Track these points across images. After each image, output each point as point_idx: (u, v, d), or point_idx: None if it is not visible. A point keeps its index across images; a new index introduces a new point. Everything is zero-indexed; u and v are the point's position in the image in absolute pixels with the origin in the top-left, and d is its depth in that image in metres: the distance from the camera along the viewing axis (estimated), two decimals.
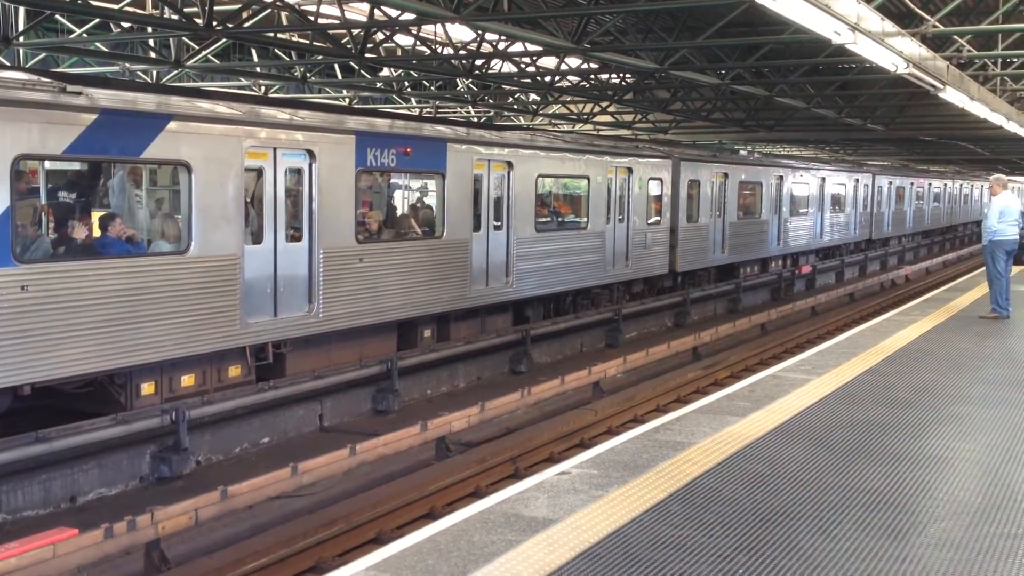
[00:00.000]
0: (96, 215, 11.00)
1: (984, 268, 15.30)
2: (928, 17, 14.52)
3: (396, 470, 11.06)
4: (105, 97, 10.58)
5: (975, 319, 14.43)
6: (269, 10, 15.79)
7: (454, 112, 29.46)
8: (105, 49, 18.63)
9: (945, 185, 51.75)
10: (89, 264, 10.25)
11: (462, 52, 19.08)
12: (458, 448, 11.88)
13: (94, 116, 10.19)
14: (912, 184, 44.43)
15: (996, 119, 21.68)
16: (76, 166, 11.27)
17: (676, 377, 16.07)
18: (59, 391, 10.42)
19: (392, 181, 15.80)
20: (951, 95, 16.64)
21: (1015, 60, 20.68)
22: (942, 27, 15.06)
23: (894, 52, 12.55)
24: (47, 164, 10.61)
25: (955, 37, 17.07)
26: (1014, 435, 7.82)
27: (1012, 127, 23.94)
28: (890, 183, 40.72)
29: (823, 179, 32.66)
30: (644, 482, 6.34)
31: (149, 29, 16.81)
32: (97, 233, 10.76)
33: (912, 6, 14.64)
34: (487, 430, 12.70)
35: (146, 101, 11.15)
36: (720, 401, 8.91)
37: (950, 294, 18.24)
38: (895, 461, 6.96)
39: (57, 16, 16.92)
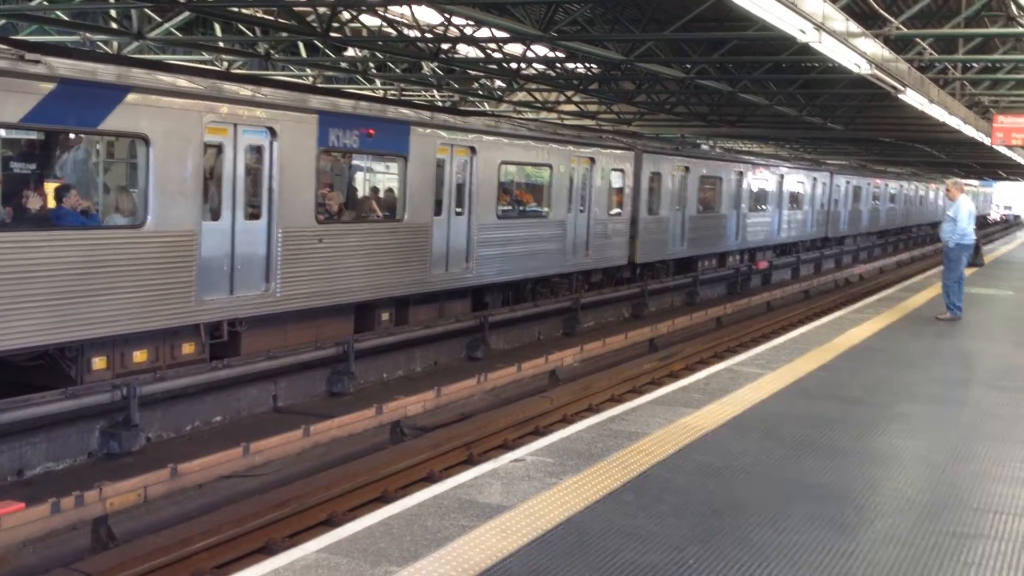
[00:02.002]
0: (51, 186, 10.82)
1: (941, 269, 15.40)
2: (892, 19, 14.66)
3: (350, 453, 11.01)
4: (64, 67, 10.39)
5: (927, 319, 14.65)
6: None
7: (419, 95, 29.31)
8: (65, 18, 18.32)
9: (901, 186, 52.41)
10: (42, 235, 10.08)
11: (428, 35, 18.98)
12: (413, 432, 11.85)
13: (52, 85, 10.02)
14: (869, 184, 44.94)
15: (954, 122, 21.99)
16: (32, 136, 11.06)
17: (632, 368, 16.14)
18: (9, 363, 10.25)
19: (354, 162, 15.69)
20: (911, 97, 16.84)
21: (975, 64, 20.97)
22: (905, 29, 15.21)
23: (857, 52, 12.67)
24: (2, 132, 10.40)
25: (917, 40, 17.27)
26: (961, 434, 7.95)
27: (969, 131, 24.28)
28: (847, 182, 41.16)
29: (782, 176, 32.95)
30: (598, 471, 6.37)
31: None
32: (52, 204, 10.59)
33: (876, 7, 14.77)
34: (442, 415, 12.68)
35: (106, 72, 10.97)
36: (675, 393, 8.97)
37: (903, 293, 18.50)
38: (845, 457, 7.05)
39: None
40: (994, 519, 5.89)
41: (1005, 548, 5.41)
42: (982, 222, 64.84)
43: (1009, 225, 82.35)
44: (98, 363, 10.97)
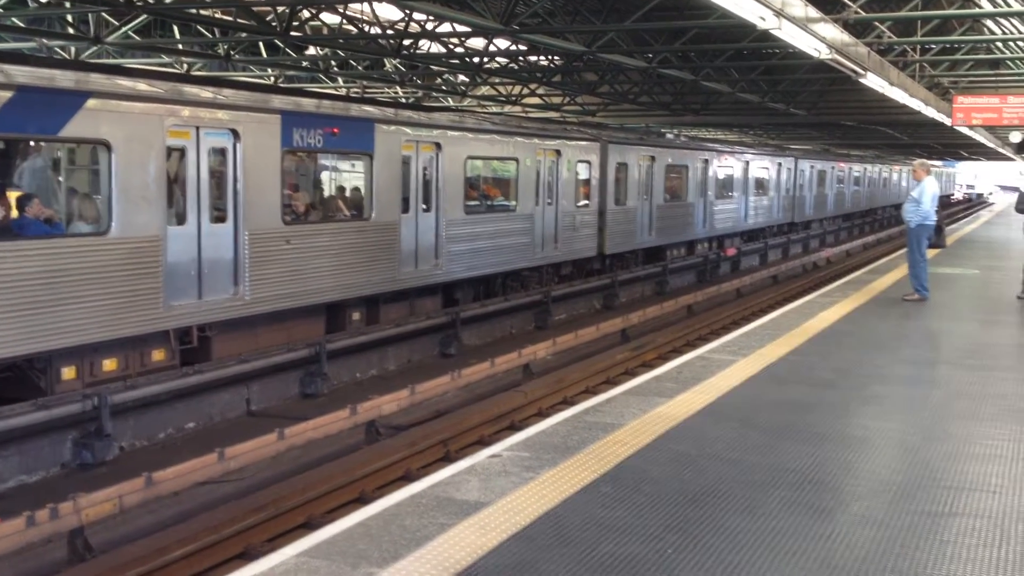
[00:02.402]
0: (13, 195, 10.69)
1: (906, 250, 15.53)
2: (850, 3, 14.78)
3: (325, 454, 10.96)
4: (22, 74, 10.28)
5: (895, 301, 14.78)
6: None
7: (382, 92, 29.20)
8: (22, 24, 18.06)
9: (865, 169, 52.87)
10: (5, 245, 9.96)
11: (390, 32, 18.91)
12: (388, 431, 11.82)
13: (10, 93, 9.90)
14: (833, 168, 45.30)
15: (915, 104, 22.20)
16: None
17: (605, 359, 16.18)
18: None
19: (319, 162, 15.62)
20: (871, 80, 16.99)
21: (933, 46, 21.19)
22: (864, 13, 15.34)
23: (817, 38, 12.76)
24: None
25: (876, 23, 17.42)
26: (933, 414, 8.04)
27: (930, 112, 24.52)
28: (812, 167, 41.47)
29: (747, 163, 33.15)
30: (575, 464, 6.38)
31: (68, 4, 16.36)
32: (14, 214, 10.46)
33: None
34: (417, 413, 12.66)
35: (64, 78, 10.86)
36: (648, 383, 9.00)
37: (870, 276, 18.66)
38: (819, 440, 7.10)
39: None
40: (968, 497, 5.96)
41: (979, 525, 5.47)
42: (945, 202, 65.60)
43: (972, 204, 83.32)
44: (67, 373, 10.87)
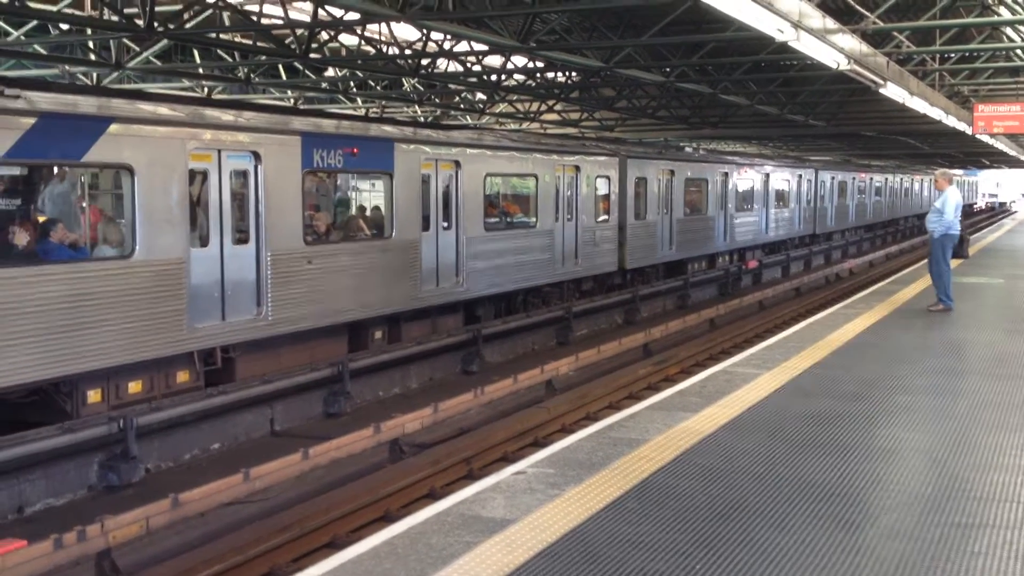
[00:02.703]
0: (37, 221, 10.79)
1: (928, 260, 15.41)
2: (868, 13, 14.73)
3: (349, 473, 10.97)
4: (45, 100, 10.39)
5: (919, 311, 14.68)
6: (211, 11, 15.58)
7: (400, 112, 29.31)
8: (44, 51, 18.25)
9: (886, 179, 52.61)
10: (31, 271, 10.05)
11: (408, 52, 18.99)
12: (412, 450, 11.82)
13: (33, 120, 10.01)
14: (854, 179, 45.11)
15: (935, 114, 22.10)
16: (16, 171, 11.03)
17: (628, 374, 16.14)
18: (4, 401, 10.20)
19: (339, 182, 15.70)
20: (891, 91, 16.92)
21: (953, 55, 21.09)
22: (882, 23, 15.28)
23: (835, 49, 12.73)
24: None
25: (894, 33, 17.35)
26: (960, 425, 7.97)
27: (951, 121, 24.40)
28: (832, 178, 41.30)
29: (767, 175, 33.05)
30: (600, 480, 6.35)
31: (89, 31, 16.53)
32: (39, 239, 10.55)
33: (852, 3, 14.84)
34: (441, 431, 12.65)
35: (87, 104, 10.96)
36: (672, 397, 8.96)
37: (893, 287, 18.54)
38: (846, 453, 7.05)
39: None
40: (998, 508, 5.89)
41: (1011, 536, 5.41)
42: (967, 211, 65.17)
43: (995, 213, 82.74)
44: (93, 396, 10.94)
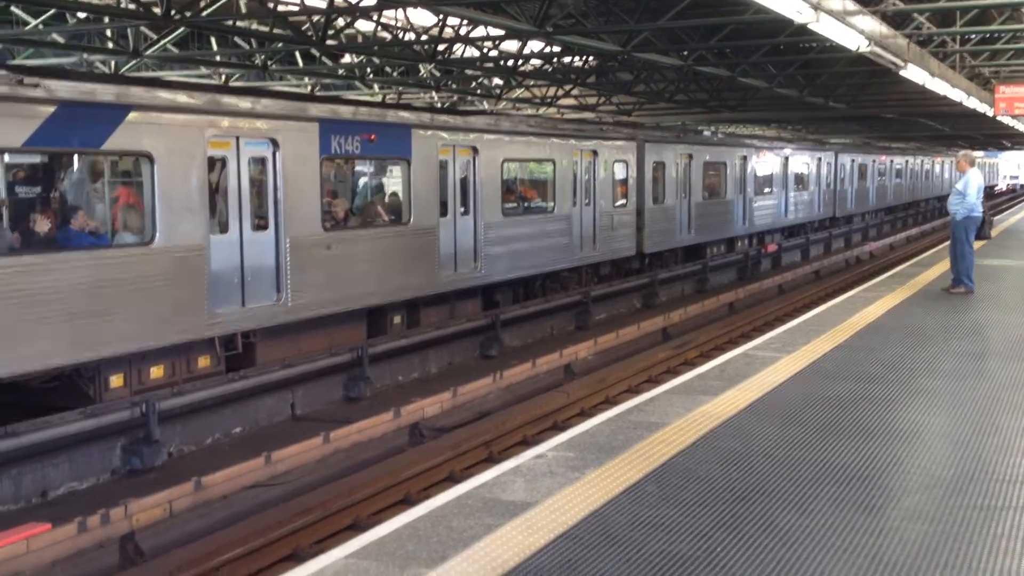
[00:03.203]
0: (58, 208, 10.85)
1: (950, 242, 15.28)
2: None
3: (370, 457, 11.03)
4: (63, 89, 10.43)
5: (940, 294, 14.59)
6: None
7: (417, 98, 29.31)
8: (62, 40, 18.35)
9: (907, 161, 52.23)
10: (52, 257, 10.12)
11: (424, 37, 18.98)
12: (432, 433, 11.86)
13: (53, 108, 10.05)
14: (874, 161, 44.80)
15: (956, 95, 21.92)
16: (36, 159, 11.09)
17: (647, 358, 16.13)
18: (27, 386, 10.29)
19: (357, 168, 15.71)
20: (912, 72, 16.79)
21: (973, 36, 20.90)
22: (902, 4, 15.16)
23: (856, 31, 12.63)
24: (6, 157, 10.44)
25: (915, 14, 17.21)
26: (983, 407, 7.93)
27: (972, 103, 24.20)
28: (852, 161, 41.03)
29: (786, 158, 32.86)
30: (620, 463, 6.36)
31: (106, 19, 16.59)
32: (60, 226, 10.62)
33: None
34: (460, 415, 12.69)
35: (105, 92, 10.99)
36: (692, 381, 8.95)
37: (914, 269, 18.44)
38: (867, 436, 7.03)
39: (12, 7, 16.64)
40: (1021, 490, 5.86)
41: None
42: (989, 192, 64.69)
43: (1016, 195, 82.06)
44: (115, 381, 11.02)
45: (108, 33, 18.81)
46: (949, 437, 7.11)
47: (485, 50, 21.40)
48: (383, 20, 18.78)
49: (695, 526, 5.29)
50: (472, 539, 5.08)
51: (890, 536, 5.14)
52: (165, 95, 11.91)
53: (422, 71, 24.30)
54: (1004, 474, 6.18)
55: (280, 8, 16.67)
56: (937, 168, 59.96)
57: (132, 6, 14.27)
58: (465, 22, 17.83)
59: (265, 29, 18.13)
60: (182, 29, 17.24)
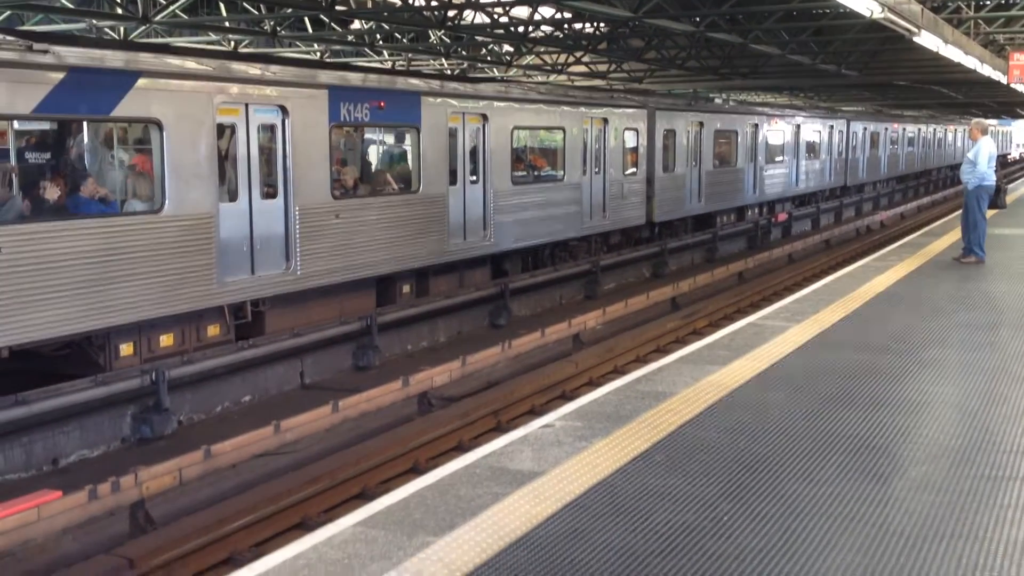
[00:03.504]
0: (68, 175, 10.85)
1: (963, 211, 15.19)
2: None
3: (379, 426, 11.08)
4: (72, 55, 10.40)
5: (951, 263, 14.53)
6: None
7: (427, 65, 29.16)
8: (71, 6, 18.28)
9: (919, 130, 51.87)
10: (62, 225, 10.14)
11: (434, 3, 18.85)
12: (440, 403, 11.90)
13: (62, 75, 10.03)
14: (886, 129, 44.50)
15: (970, 63, 21.71)
16: (45, 126, 11.09)
17: (655, 327, 16.12)
18: (38, 354, 10.34)
19: (366, 136, 15.67)
20: (926, 39, 16.62)
21: (988, 2, 20.66)
22: None
23: None
24: (16, 124, 10.43)
25: None
26: (992, 378, 7.90)
27: (985, 70, 23.97)
28: (864, 129, 40.76)
29: (798, 126, 32.67)
30: (627, 433, 6.36)
31: None
32: (70, 193, 10.63)
33: None
34: (469, 384, 12.72)
35: (114, 58, 10.97)
36: (700, 350, 8.94)
37: (925, 239, 18.35)
38: (875, 406, 7.02)
39: None
40: None
41: None
42: (1002, 161, 64.20)
43: None
44: (125, 349, 11.06)
45: None
46: (957, 407, 7.10)
47: (495, 16, 21.25)
48: None
49: (702, 495, 5.30)
50: (480, 508, 5.10)
51: (897, 506, 5.15)
52: (174, 61, 11.88)
53: (432, 38, 24.15)
54: (1011, 445, 6.17)
55: None
56: (950, 136, 59.54)
57: None
58: None
59: None
60: None
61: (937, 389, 7.57)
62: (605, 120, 20.53)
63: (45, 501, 7.78)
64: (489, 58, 28.03)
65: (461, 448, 9.83)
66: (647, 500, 5.23)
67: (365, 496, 8.55)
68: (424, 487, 5.45)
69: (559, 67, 28.20)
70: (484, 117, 16.71)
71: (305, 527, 8.01)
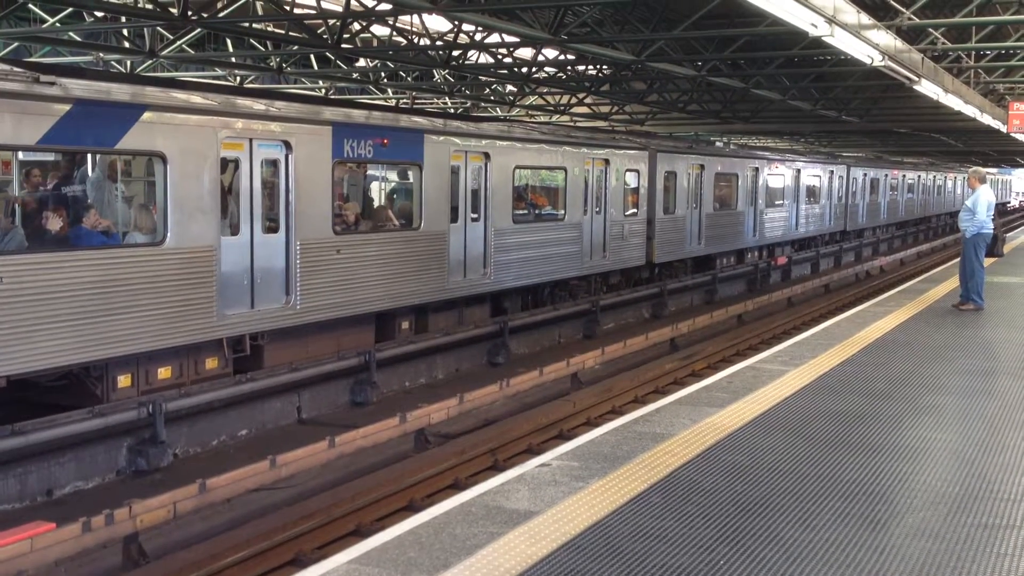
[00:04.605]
0: (70, 206, 10.89)
1: (961, 259, 15.26)
2: (903, 9, 14.60)
3: (375, 462, 11.03)
4: (79, 87, 10.47)
5: (950, 310, 14.55)
6: (244, 0, 15.66)
7: (431, 103, 29.36)
8: (78, 39, 18.43)
9: (919, 176, 52.11)
10: (63, 256, 10.15)
11: (439, 43, 19.02)
12: (437, 440, 11.86)
13: (68, 107, 10.09)
14: (886, 176, 44.71)
15: (970, 111, 21.87)
16: (50, 157, 11.14)
17: (654, 368, 16.11)
18: (35, 384, 10.33)
19: (369, 172, 15.74)
20: (926, 87, 16.76)
21: (988, 52, 20.85)
22: (917, 19, 15.14)
23: (870, 44, 12.62)
24: (20, 155, 10.49)
25: (930, 29, 17.18)
26: (990, 425, 7.90)
27: (985, 119, 24.14)
28: (864, 174, 40.95)
29: (798, 171, 32.82)
30: (624, 474, 6.35)
31: (123, 18, 16.65)
32: (71, 225, 10.65)
33: None
34: (466, 422, 12.69)
35: (120, 91, 11.04)
36: (698, 392, 8.94)
37: (925, 285, 18.39)
38: (873, 452, 7.01)
39: (30, 5, 16.71)
40: None
41: None
42: (1001, 209, 64.43)
43: None
44: (123, 381, 11.04)
45: (125, 33, 18.89)
46: (955, 454, 7.09)
47: (499, 57, 21.44)
48: (398, 25, 18.83)
49: (698, 538, 5.28)
50: (475, 547, 5.08)
51: (894, 553, 5.13)
52: (179, 96, 11.95)
53: (436, 76, 24.34)
54: (1009, 493, 6.15)
55: (296, 11, 16.71)
56: (949, 184, 59.79)
57: (149, 6, 14.33)
58: (480, 28, 17.85)
59: (281, 32, 18.19)
60: (198, 30, 17.31)
61: (935, 435, 7.56)
62: (607, 161, 20.64)
63: (38, 532, 7.73)
64: (492, 97, 28.23)
65: (457, 486, 9.79)
66: (643, 542, 5.22)
67: (360, 533, 8.51)
68: (418, 525, 5.44)
69: (562, 107, 28.39)
70: (486, 156, 16.80)
71: (299, 564, 7.96)
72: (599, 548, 5.12)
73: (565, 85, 25.27)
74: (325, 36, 17.40)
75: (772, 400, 8.51)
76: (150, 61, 19.21)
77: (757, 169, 29.10)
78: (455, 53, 19.58)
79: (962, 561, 5.04)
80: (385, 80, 24.82)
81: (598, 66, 23.13)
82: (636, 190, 22.15)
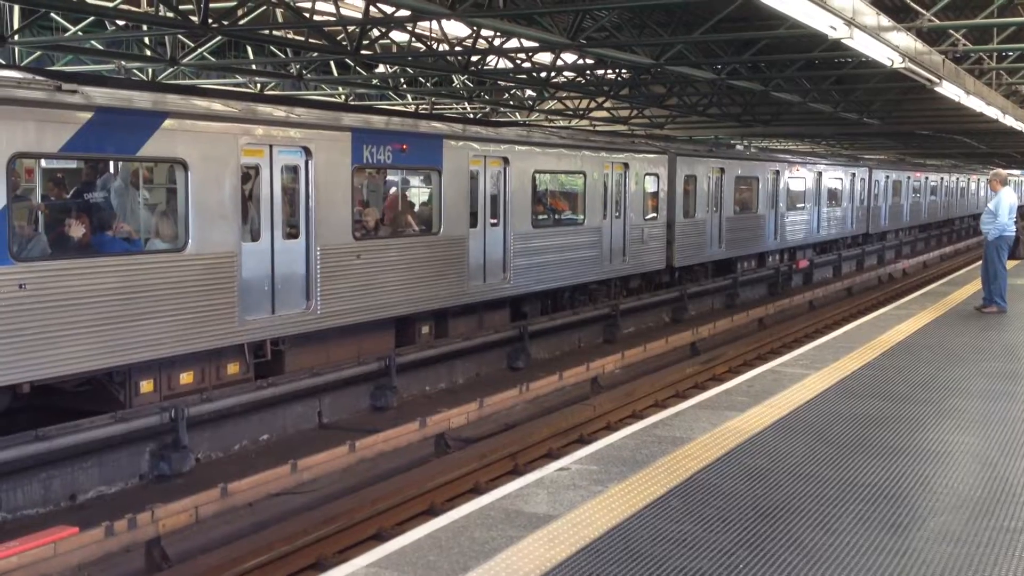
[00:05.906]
0: (93, 213, 10.98)
1: (983, 261, 15.16)
2: (923, 11, 14.52)
3: (395, 467, 11.06)
4: (100, 95, 10.56)
5: (972, 313, 14.45)
6: (264, 7, 15.76)
7: (450, 108, 29.42)
8: (100, 47, 18.59)
9: (942, 179, 51.78)
10: (86, 262, 10.24)
11: (458, 48, 19.06)
12: (457, 444, 11.88)
13: (90, 114, 10.18)
14: (909, 178, 44.45)
15: (992, 113, 21.71)
16: (72, 164, 11.24)
17: (674, 372, 16.07)
18: (58, 390, 10.41)
19: (388, 178, 15.79)
20: (947, 89, 16.65)
21: (1011, 54, 20.71)
22: (937, 21, 15.05)
23: (890, 47, 12.56)
24: (43, 162, 10.59)
25: (951, 31, 17.08)
26: (1012, 428, 7.84)
27: (1008, 121, 23.97)
28: (887, 177, 40.73)
29: (820, 173, 32.68)
30: (644, 477, 6.34)
31: (144, 27, 16.77)
32: (94, 231, 10.74)
33: (907, 0, 14.63)
34: (486, 426, 12.70)
35: (142, 99, 11.13)
36: (719, 396, 8.92)
37: (947, 288, 18.27)
38: (894, 455, 6.97)
39: (52, 14, 16.89)
40: None
41: None
42: None
43: None
44: (145, 386, 11.11)
45: (146, 41, 19.03)
46: (977, 458, 7.04)
47: (518, 62, 21.45)
48: (417, 31, 18.88)
49: (718, 543, 5.26)
50: (494, 551, 5.09)
51: (915, 557, 5.10)
52: (200, 103, 12.03)
53: (455, 82, 24.39)
54: None
55: (316, 18, 16.80)
56: (972, 186, 59.39)
57: (170, 15, 14.42)
58: (498, 34, 17.88)
59: (301, 39, 18.27)
60: (219, 38, 17.41)
61: (956, 438, 7.51)
62: (626, 165, 20.62)
63: (62, 537, 7.80)
64: (511, 102, 28.26)
65: (477, 490, 9.80)
66: (663, 546, 5.21)
67: (380, 537, 8.53)
68: (438, 528, 5.45)
69: (581, 112, 28.39)
70: (505, 160, 16.82)
71: (320, 567, 7.99)
72: (618, 552, 5.12)
73: (584, 89, 25.26)
74: (345, 43, 17.46)
75: (793, 404, 8.48)
76: (171, 69, 19.34)
77: (778, 172, 28.99)
78: (474, 58, 19.62)
79: (984, 565, 5.00)
80: (404, 86, 24.88)
81: (617, 70, 23.12)
82: (656, 194, 22.11)
